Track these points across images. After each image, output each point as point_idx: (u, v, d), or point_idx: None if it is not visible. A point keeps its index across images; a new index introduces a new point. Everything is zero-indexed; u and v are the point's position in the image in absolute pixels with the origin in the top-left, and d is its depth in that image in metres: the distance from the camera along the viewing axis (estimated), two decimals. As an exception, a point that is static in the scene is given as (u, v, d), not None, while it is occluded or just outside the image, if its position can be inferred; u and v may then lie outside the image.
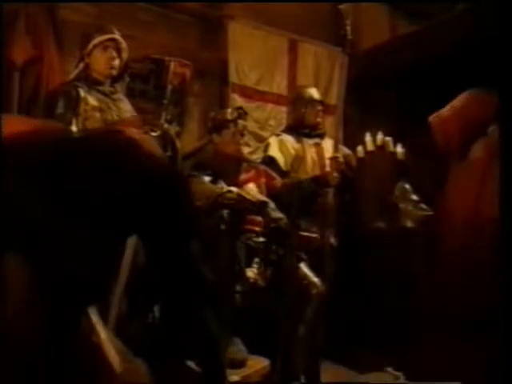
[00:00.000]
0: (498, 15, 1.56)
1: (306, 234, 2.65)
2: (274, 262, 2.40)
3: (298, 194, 2.70)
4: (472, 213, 1.55)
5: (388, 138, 2.53)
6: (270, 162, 2.90)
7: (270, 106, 3.72)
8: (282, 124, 3.58)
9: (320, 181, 2.76)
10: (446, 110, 1.80)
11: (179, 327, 1.33)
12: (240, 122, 2.65)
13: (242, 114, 2.68)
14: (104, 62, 2.25)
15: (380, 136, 2.55)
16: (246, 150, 3.05)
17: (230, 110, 2.75)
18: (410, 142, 2.58)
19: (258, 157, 3.24)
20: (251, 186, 2.58)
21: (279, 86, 3.77)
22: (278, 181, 2.76)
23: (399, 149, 2.52)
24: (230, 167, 2.63)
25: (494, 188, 1.40)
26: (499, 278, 1.29)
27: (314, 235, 2.48)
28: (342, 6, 2.74)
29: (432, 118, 1.83)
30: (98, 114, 2.15)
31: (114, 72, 2.28)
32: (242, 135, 2.69)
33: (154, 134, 2.14)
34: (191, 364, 2.18)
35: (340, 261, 2.74)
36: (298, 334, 2.41)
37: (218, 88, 3.58)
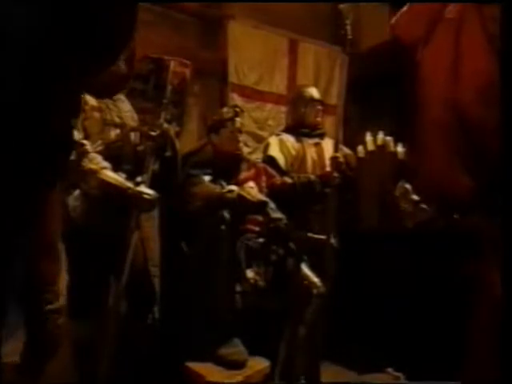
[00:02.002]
0: (499, 14, 1.55)
1: (314, 235, 2.64)
2: (274, 263, 2.39)
3: (308, 194, 2.70)
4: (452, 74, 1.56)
5: (389, 138, 2.53)
6: (270, 161, 2.89)
7: (269, 105, 3.71)
8: (281, 124, 3.57)
9: (321, 181, 2.76)
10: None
11: None
12: (237, 119, 2.65)
13: (238, 111, 2.68)
14: (103, 61, 2.23)
15: (380, 136, 2.55)
16: (245, 150, 3.04)
17: (225, 109, 2.75)
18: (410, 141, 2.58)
19: (257, 157, 3.23)
20: (251, 185, 2.57)
21: (279, 85, 3.77)
22: (278, 178, 2.75)
23: (400, 149, 2.52)
24: (229, 166, 2.63)
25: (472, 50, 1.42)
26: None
27: (322, 237, 2.46)
28: (342, 6, 2.73)
29: (392, 21, 1.86)
30: (97, 114, 2.13)
31: (114, 71, 2.27)
32: (241, 132, 2.68)
33: (153, 133, 2.13)
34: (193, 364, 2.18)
35: (340, 261, 2.73)
36: (298, 334, 2.40)
37: (217, 88, 3.57)
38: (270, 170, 2.78)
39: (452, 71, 1.55)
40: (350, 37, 2.72)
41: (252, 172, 2.70)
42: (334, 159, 2.69)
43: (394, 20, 1.85)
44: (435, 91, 1.61)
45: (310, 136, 3.03)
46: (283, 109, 3.66)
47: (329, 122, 3.48)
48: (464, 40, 1.54)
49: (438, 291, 2.49)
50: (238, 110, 2.70)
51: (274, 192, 2.65)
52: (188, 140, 3.08)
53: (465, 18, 1.57)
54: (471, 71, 1.48)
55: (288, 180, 2.77)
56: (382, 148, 2.49)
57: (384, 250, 3.01)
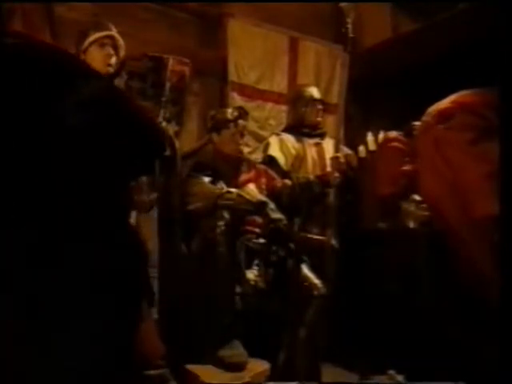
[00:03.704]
0: (499, 14, 1.53)
1: (314, 236, 2.62)
2: (274, 264, 2.37)
3: (307, 195, 2.67)
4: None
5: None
6: (270, 161, 2.87)
7: (269, 105, 3.69)
8: (281, 123, 3.54)
9: (321, 181, 2.73)
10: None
11: None
12: (240, 122, 2.62)
13: (242, 113, 2.65)
14: (101, 59, 2.20)
15: (382, 135, 2.53)
16: (245, 150, 3.02)
17: (230, 110, 2.71)
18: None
19: (257, 156, 3.20)
20: (251, 187, 2.54)
21: (279, 84, 3.74)
22: (278, 181, 2.72)
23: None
24: (229, 167, 2.60)
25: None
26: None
27: (322, 237, 2.45)
28: (344, 4, 2.71)
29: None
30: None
31: (111, 70, 2.24)
32: (242, 135, 2.65)
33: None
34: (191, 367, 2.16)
35: (341, 262, 2.71)
36: (298, 336, 2.38)
37: (217, 87, 3.55)
38: (271, 171, 2.75)
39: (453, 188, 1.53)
40: (351, 35, 2.70)
41: (252, 174, 2.67)
42: (334, 159, 2.67)
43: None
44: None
45: (310, 136, 3.01)
46: (284, 108, 3.63)
47: (330, 121, 3.46)
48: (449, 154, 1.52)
49: (440, 292, 2.47)
50: (242, 112, 2.67)
51: (274, 194, 2.62)
52: (187, 139, 3.06)
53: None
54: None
55: (288, 182, 2.74)
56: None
57: (385, 250, 2.99)
